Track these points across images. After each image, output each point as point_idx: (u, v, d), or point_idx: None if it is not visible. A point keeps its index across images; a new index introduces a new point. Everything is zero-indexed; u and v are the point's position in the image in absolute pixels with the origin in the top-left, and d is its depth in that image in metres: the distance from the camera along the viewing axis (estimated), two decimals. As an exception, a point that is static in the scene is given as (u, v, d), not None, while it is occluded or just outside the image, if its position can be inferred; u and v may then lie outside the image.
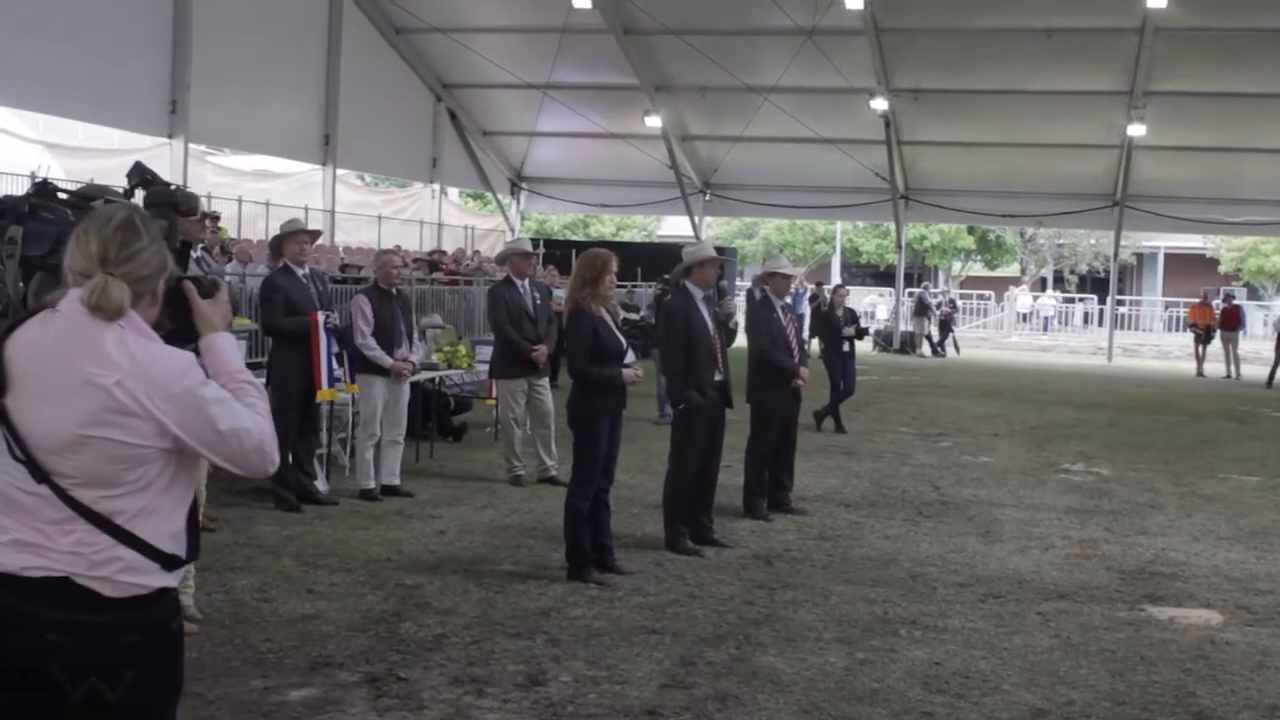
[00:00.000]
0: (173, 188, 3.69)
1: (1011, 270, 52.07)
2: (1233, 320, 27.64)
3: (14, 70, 17.42)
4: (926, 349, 31.80)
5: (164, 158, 19.89)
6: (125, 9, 19.53)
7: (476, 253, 28.03)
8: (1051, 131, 27.18)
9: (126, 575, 2.69)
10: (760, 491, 9.50)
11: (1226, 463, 13.37)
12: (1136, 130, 26.38)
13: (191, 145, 21.13)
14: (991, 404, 18.94)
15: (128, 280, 2.72)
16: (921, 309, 32.47)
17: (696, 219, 32.04)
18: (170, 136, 20.59)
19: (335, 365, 9.26)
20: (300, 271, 9.33)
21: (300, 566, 7.46)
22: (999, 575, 7.90)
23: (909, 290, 33.47)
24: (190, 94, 20.57)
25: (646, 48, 27.19)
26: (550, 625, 6.42)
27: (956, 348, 32.19)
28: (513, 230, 32.30)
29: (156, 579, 2.74)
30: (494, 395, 11.52)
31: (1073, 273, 50.54)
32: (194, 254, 8.92)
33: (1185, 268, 48.39)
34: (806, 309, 26.63)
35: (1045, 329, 41.87)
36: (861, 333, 15.91)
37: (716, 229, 44.12)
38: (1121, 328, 36.11)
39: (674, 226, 44.27)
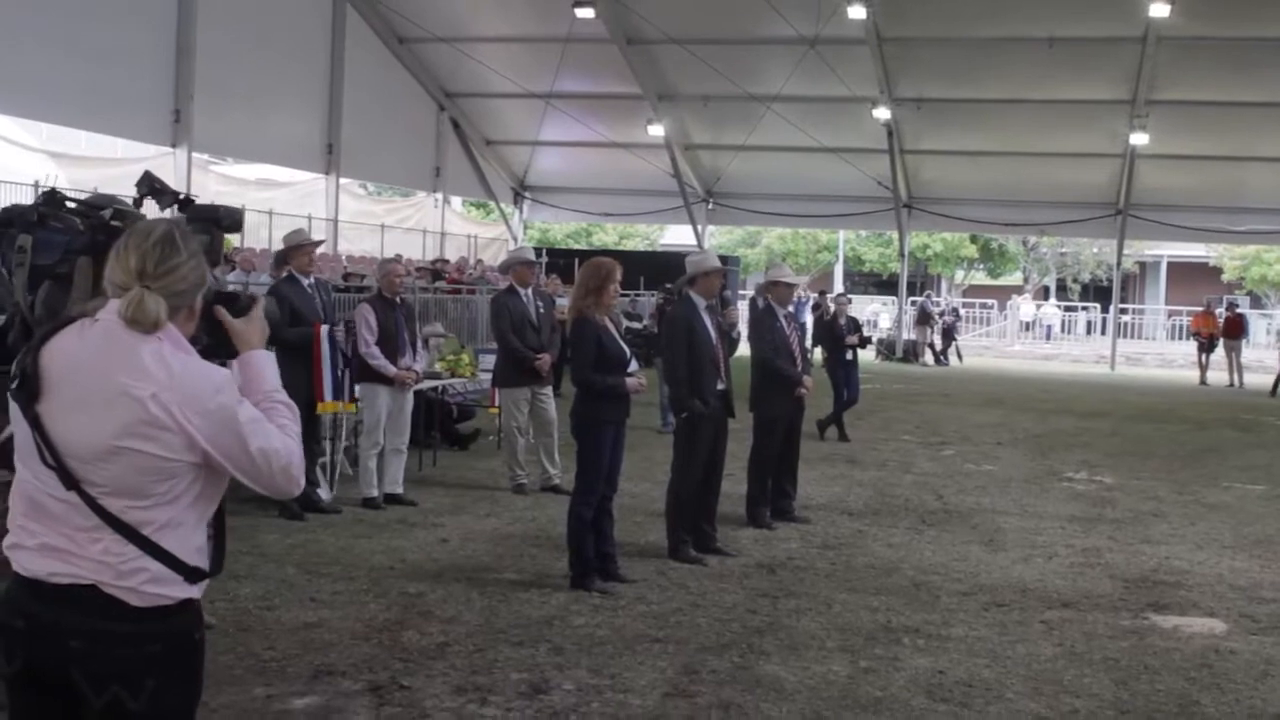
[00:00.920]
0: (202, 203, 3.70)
1: (1014, 279, 52.08)
2: (1236, 329, 27.63)
3: (17, 79, 17.44)
4: (929, 357, 31.80)
5: (167, 167, 19.90)
6: (129, 18, 19.57)
7: (479, 262, 28.07)
8: (1054, 140, 27.21)
9: (152, 586, 2.70)
10: (763, 500, 9.49)
11: (1230, 471, 13.36)
12: (1139, 139, 26.41)
13: (195, 154, 21.18)
14: (994, 412, 18.93)
15: (165, 294, 2.72)
16: (924, 318, 32.48)
17: (699, 228, 32.08)
18: (174, 146, 20.63)
19: (338, 378, 9.27)
20: (306, 281, 9.36)
21: (303, 575, 7.46)
22: (1002, 584, 7.89)
23: (912, 299, 33.49)
24: (194, 103, 20.61)
25: (649, 57, 27.23)
26: (553, 634, 6.41)
27: (959, 356, 32.19)
28: (515, 239, 32.35)
29: (180, 590, 2.75)
30: (497, 404, 11.52)
31: (1075, 281, 50.58)
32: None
33: (1188, 276, 48.38)
34: (809, 318, 26.63)
35: (1048, 338, 41.90)
36: (864, 341, 15.91)
37: (719, 238, 44.16)
38: (1124, 336, 36.09)
39: (677, 235, 44.30)
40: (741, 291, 34.33)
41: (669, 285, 11.95)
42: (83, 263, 3.33)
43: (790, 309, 10.23)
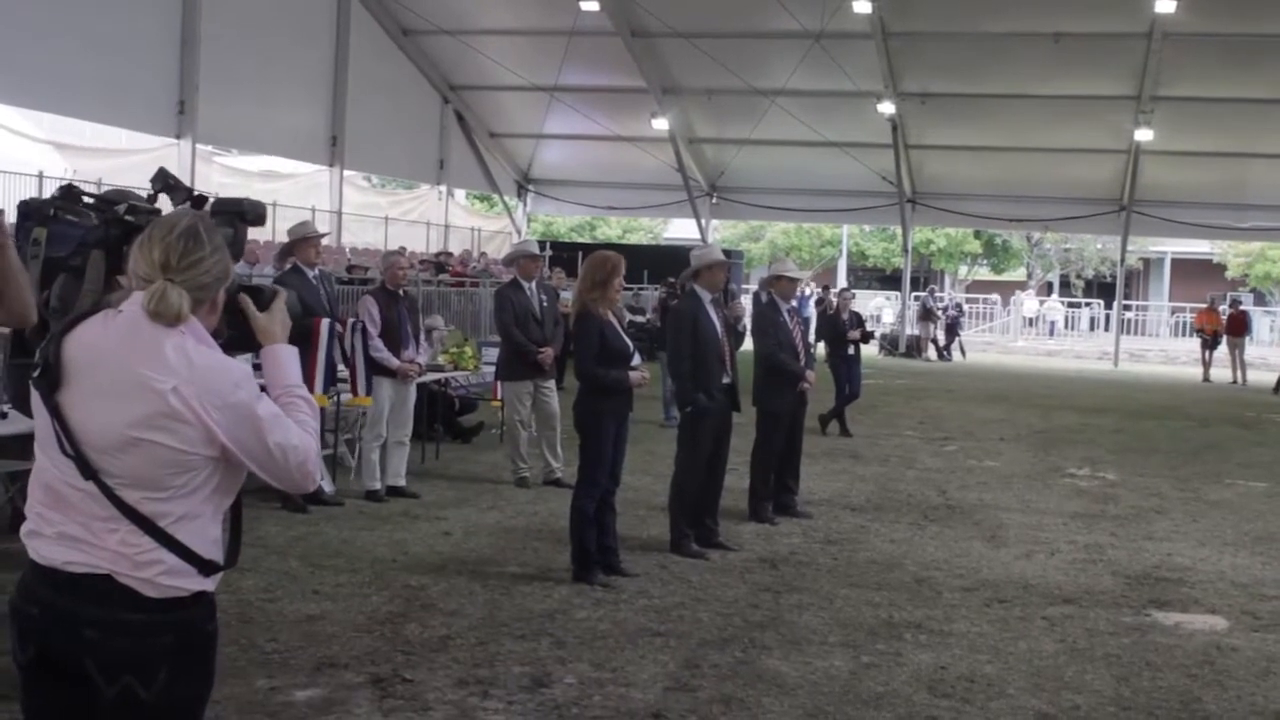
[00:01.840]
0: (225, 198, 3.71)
1: (1018, 275, 52.00)
2: (1239, 326, 27.60)
3: (21, 69, 17.43)
4: (932, 353, 31.77)
5: (172, 158, 19.90)
6: (133, 9, 19.55)
7: (483, 254, 28.05)
8: (1059, 136, 27.14)
9: (166, 578, 2.71)
10: (766, 495, 9.49)
11: (1233, 468, 13.36)
12: (1144, 135, 26.35)
13: (199, 145, 21.14)
14: (997, 408, 18.92)
15: (188, 288, 2.73)
16: (927, 313, 32.45)
17: (703, 222, 32.04)
18: (178, 137, 20.60)
19: (336, 370, 9.29)
20: (311, 273, 9.36)
21: (306, 567, 7.47)
22: (1004, 580, 7.90)
23: (915, 294, 33.47)
24: (198, 94, 20.57)
25: (654, 50, 27.19)
26: (555, 627, 6.42)
27: (963, 352, 32.15)
28: (519, 232, 32.34)
29: (194, 582, 2.76)
30: (499, 397, 11.53)
31: (1079, 277, 50.52)
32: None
33: (1192, 273, 48.33)
34: (812, 312, 26.63)
35: (1051, 334, 41.86)
36: (867, 336, 15.90)
37: (723, 232, 44.13)
38: (1128, 333, 36.06)
39: (680, 229, 44.29)
40: (745, 285, 34.29)
41: (671, 280, 11.94)
42: (95, 256, 3.34)
43: (794, 303, 10.23)
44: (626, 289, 17.78)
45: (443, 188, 30.36)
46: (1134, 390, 23.70)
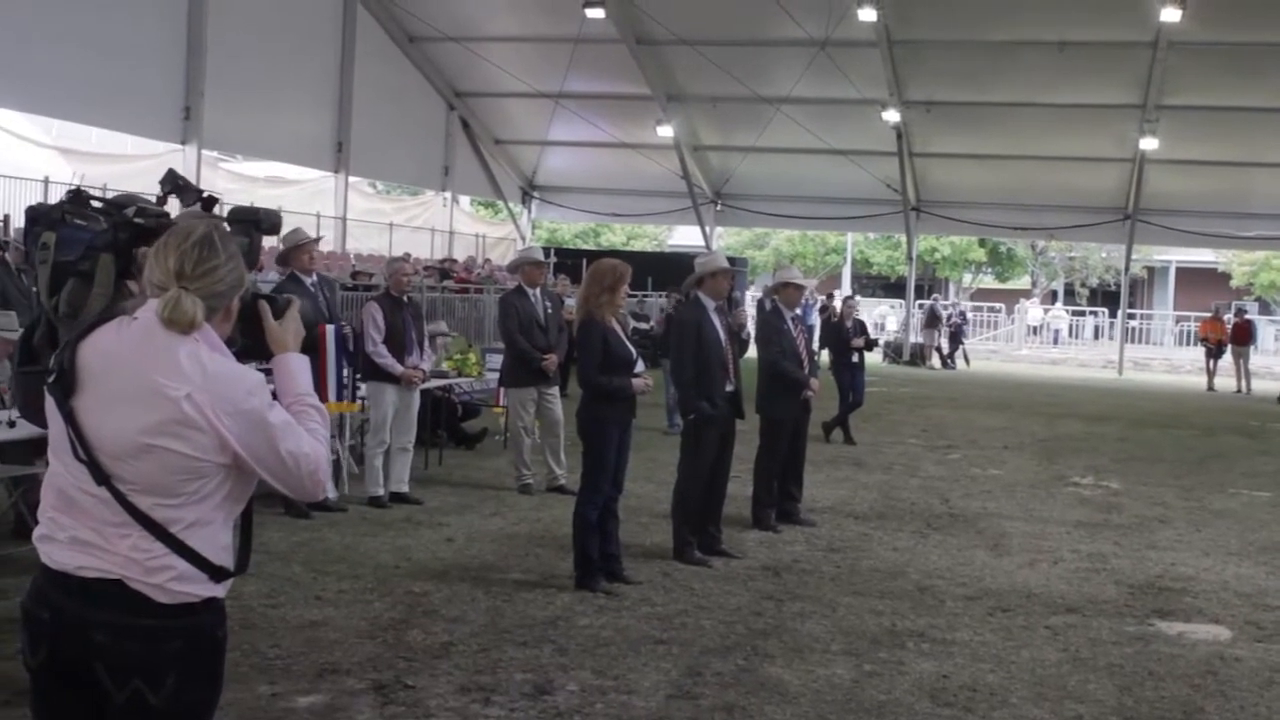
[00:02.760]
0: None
1: (1022, 283, 51.97)
2: (1244, 335, 27.58)
3: (27, 75, 17.48)
4: (936, 361, 31.76)
5: (177, 163, 19.89)
6: (139, 15, 19.60)
7: (487, 261, 28.10)
8: (1063, 144, 27.15)
9: (177, 583, 2.73)
10: (769, 502, 9.49)
11: (1237, 478, 13.34)
12: (1149, 144, 26.35)
13: (205, 151, 21.19)
14: (1001, 417, 18.91)
15: (202, 295, 2.75)
16: (932, 321, 32.43)
17: (708, 229, 32.06)
18: (184, 142, 20.65)
19: (344, 377, 9.28)
20: (308, 280, 9.35)
21: (308, 573, 7.47)
22: (1007, 588, 7.89)
23: (919, 302, 33.45)
24: (204, 100, 20.62)
25: (659, 58, 27.23)
26: (558, 634, 6.42)
27: (967, 360, 32.15)
28: (524, 239, 32.38)
29: (205, 589, 2.78)
30: (503, 403, 11.54)
31: (1084, 286, 50.46)
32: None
33: (1196, 282, 48.28)
34: (816, 320, 26.62)
35: (1056, 342, 41.82)
36: (870, 344, 15.90)
37: (727, 239, 44.15)
38: (1132, 341, 36.04)
39: (685, 236, 44.27)
40: (749, 293, 34.29)
41: (679, 294, 11.94)
42: (105, 260, 3.36)
43: (798, 311, 10.23)
44: (630, 296, 17.79)
45: (448, 194, 30.42)
46: (1138, 399, 23.67)
